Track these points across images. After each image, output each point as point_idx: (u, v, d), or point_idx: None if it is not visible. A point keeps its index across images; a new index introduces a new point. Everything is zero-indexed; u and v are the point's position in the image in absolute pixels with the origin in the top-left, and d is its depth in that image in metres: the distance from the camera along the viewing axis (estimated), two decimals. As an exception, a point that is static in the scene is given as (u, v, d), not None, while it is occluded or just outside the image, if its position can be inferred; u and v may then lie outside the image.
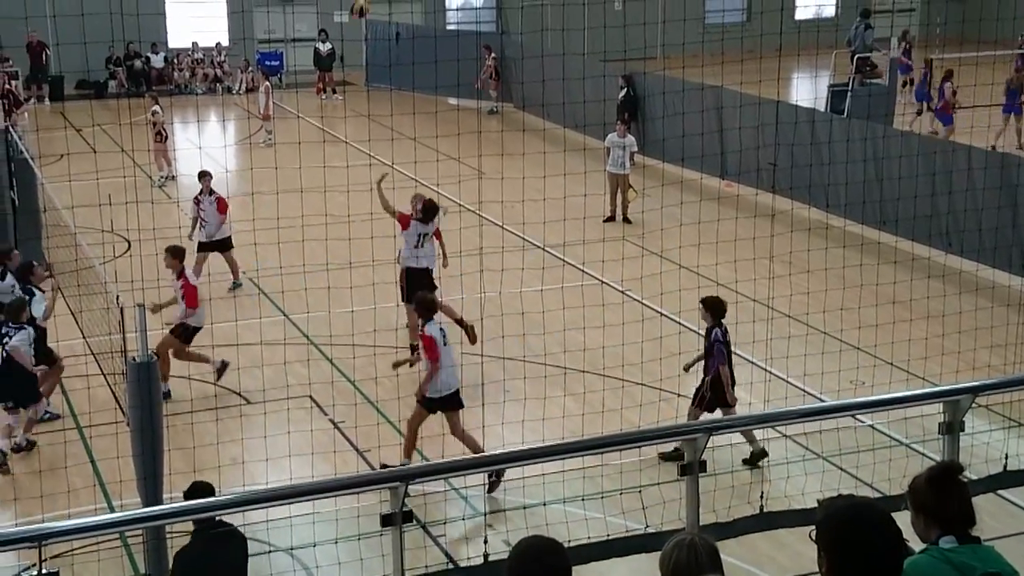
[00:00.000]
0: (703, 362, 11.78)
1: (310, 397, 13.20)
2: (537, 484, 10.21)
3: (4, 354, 12.09)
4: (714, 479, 9.06)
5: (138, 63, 32.12)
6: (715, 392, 11.55)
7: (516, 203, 15.87)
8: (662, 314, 15.11)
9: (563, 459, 9.63)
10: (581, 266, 16.50)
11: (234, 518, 9.05)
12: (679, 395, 13.19)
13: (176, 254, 13.47)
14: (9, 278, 13.43)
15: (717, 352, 11.49)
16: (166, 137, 22.75)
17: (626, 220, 20.02)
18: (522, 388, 13.13)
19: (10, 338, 12.09)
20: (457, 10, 36.93)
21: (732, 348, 11.82)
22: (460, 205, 18.94)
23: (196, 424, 12.10)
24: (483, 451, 11.00)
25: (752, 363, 13.70)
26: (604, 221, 19.69)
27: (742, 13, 39.08)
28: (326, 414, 12.88)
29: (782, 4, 31.27)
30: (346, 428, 12.53)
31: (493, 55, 29.10)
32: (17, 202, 16.77)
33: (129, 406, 9.14)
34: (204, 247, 16.42)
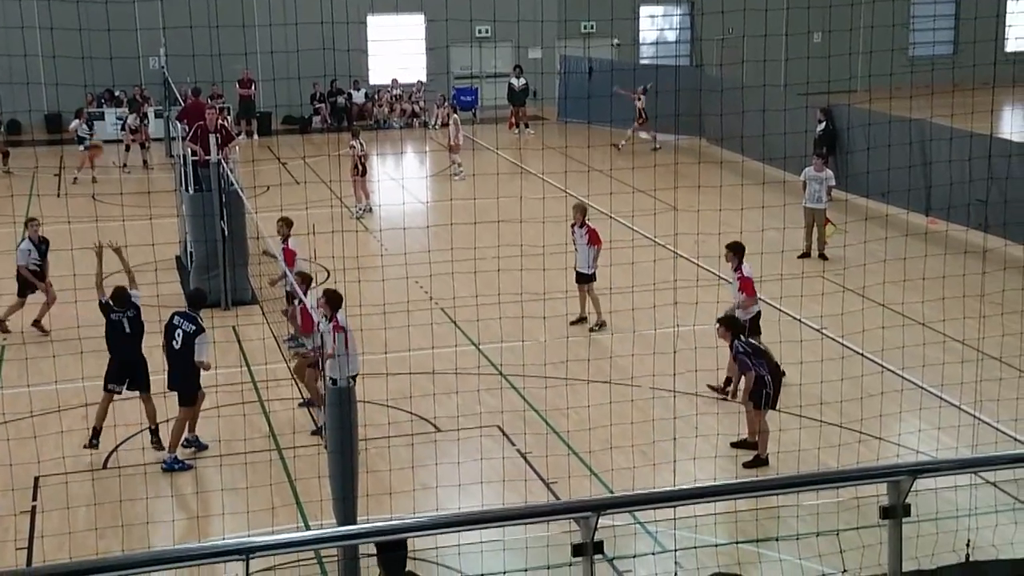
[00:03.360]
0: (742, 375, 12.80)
1: (499, 427, 13.29)
2: (729, 522, 9.98)
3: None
4: (917, 525, 8.65)
5: (341, 99, 33.29)
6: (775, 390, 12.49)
7: (711, 236, 15.67)
8: (862, 353, 14.61)
9: (756, 497, 9.39)
10: (776, 302, 16.12)
11: (425, 542, 9.18)
12: (880, 438, 12.73)
13: (736, 249, 14.47)
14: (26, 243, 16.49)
15: (741, 363, 12.55)
16: (364, 171, 23.45)
17: (822, 256, 19.51)
18: (714, 425, 12.89)
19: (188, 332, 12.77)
20: (652, 44, 36.94)
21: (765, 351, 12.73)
22: (654, 240, 18.83)
23: (390, 448, 12.33)
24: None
25: (959, 408, 13.10)
26: (799, 257, 19.23)
27: (950, 45, 37.83)
28: (514, 444, 12.94)
29: (996, 35, 30.01)
30: (534, 459, 12.55)
31: (643, 95, 29.07)
32: (227, 231, 17.53)
33: (327, 428, 9.39)
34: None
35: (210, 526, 11.27)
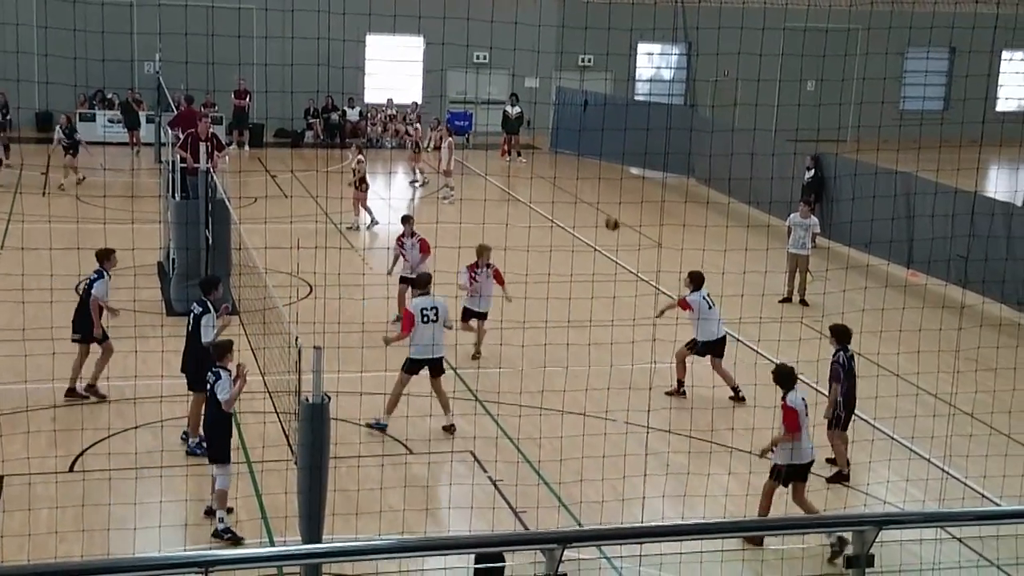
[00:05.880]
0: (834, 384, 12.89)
1: (471, 452, 13.26)
2: (694, 562, 9.95)
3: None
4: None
5: (335, 116, 33.33)
6: (847, 410, 12.83)
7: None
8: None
9: (722, 539, 9.39)
10: (754, 344, 16.17)
11: (389, 564, 9.13)
12: (848, 486, 12.74)
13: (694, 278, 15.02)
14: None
15: (833, 371, 12.74)
16: (367, 187, 23.47)
17: (803, 302, 19.58)
18: (685, 463, 12.89)
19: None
20: (647, 81, 37.14)
21: (856, 373, 12.97)
22: (637, 275, 18.87)
23: (360, 468, 12.29)
24: (817, 512, 11.33)
25: (929, 461, 13.14)
26: (780, 301, 19.29)
27: (941, 101, 38.19)
28: (485, 471, 12.91)
29: (986, 93, 30.30)
30: (504, 487, 12.52)
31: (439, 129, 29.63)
32: (211, 240, 17.49)
33: (299, 445, 9.36)
34: (405, 280, 16.97)
35: (172, 536, 11.18)
